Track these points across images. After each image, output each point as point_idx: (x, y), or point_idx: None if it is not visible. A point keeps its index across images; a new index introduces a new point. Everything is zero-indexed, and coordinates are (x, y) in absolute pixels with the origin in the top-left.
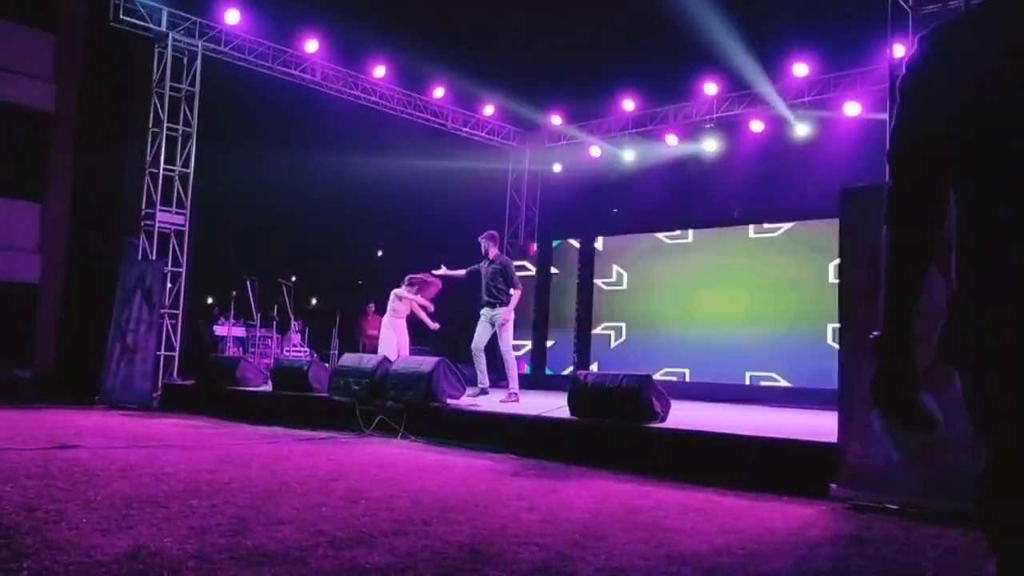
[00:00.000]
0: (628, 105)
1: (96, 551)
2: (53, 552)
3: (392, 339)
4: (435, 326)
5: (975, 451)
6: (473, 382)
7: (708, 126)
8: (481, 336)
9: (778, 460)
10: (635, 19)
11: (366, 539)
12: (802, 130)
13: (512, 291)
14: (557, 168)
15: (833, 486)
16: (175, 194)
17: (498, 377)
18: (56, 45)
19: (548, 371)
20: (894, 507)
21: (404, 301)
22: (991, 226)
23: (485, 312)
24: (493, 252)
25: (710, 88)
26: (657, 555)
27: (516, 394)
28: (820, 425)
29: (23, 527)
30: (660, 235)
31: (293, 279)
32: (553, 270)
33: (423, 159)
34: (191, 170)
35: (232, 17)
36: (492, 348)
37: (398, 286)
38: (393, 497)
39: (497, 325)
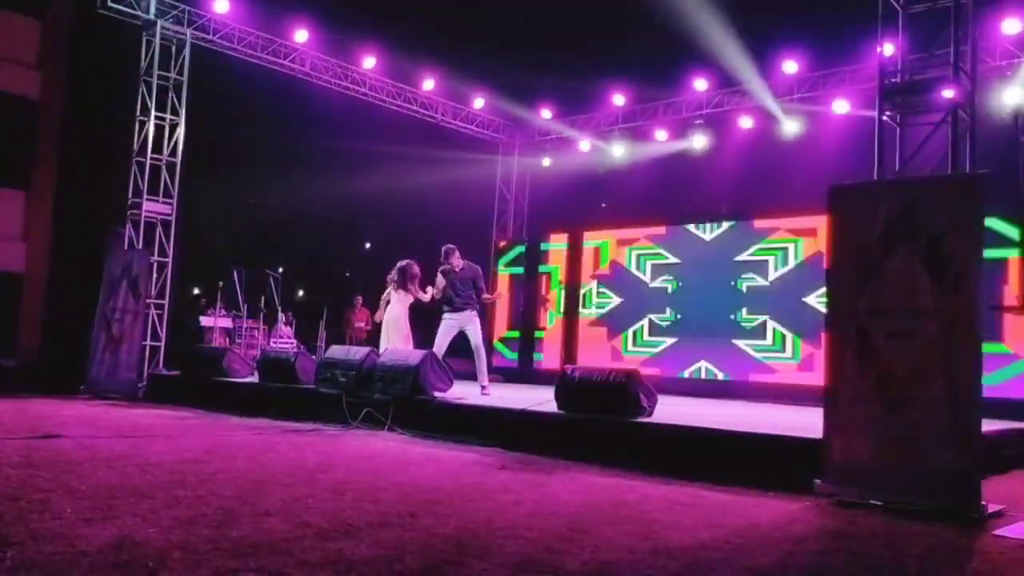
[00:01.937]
0: (618, 100)
1: (81, 541)
2: (37, 542)
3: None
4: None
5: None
6: (472, 377)
7: (697, 122)
8: (444, 340)
9: (764, 455)
10: (625, 14)
11: (352, 531)
12: (791, 127)
13: (481, 296)
14: (546, 162)
15: (818, 482)
16: (162, 183)
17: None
18: (42, 31)
19: (535, 365)
20: (878, 503)
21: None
22: None
23: (452, 316)
24: (460, 262)
25: (700, 84)
26: (643, 548)
27: (487, 387)
28: (806, 421)
29: (7, 517)
30: (648, 230)
31: (280, 270)
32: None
33: (412, 151)
34: (178, 159)
35: (221, 6)
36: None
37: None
38: (379, 489)
39: (466, 326)
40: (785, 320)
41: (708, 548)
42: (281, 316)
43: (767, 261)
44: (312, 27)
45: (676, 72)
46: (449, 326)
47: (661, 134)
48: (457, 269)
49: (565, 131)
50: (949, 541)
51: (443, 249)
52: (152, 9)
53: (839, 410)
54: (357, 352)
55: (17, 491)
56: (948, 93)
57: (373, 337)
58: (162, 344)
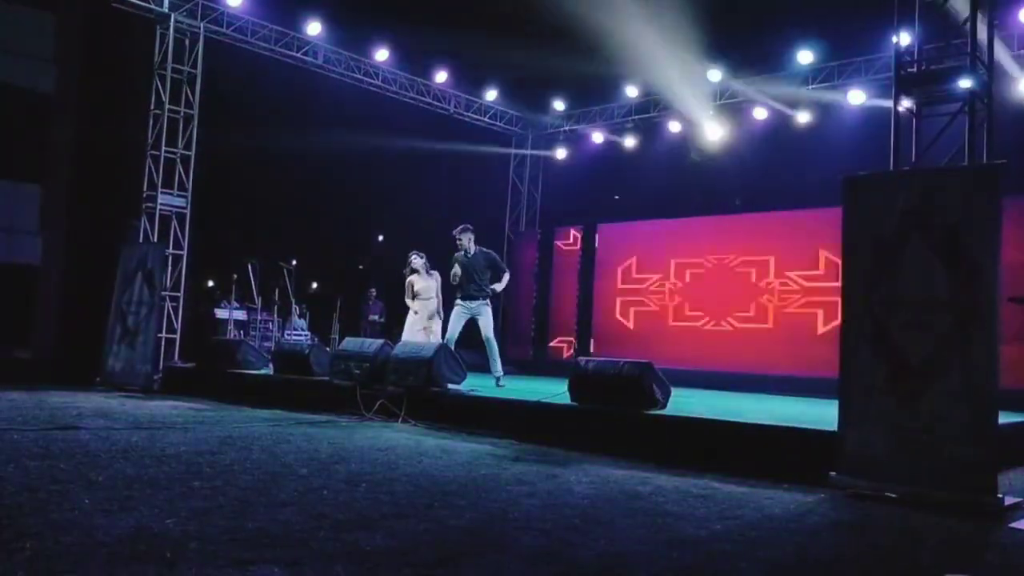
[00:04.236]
0: (631, 91)
1: (98, 532)
2: (56, 532)
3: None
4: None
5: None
6: (485, 369)
7: (710, 113)
8: (455, 329)
9: (777, 447)
10: (637, 4)
11: (367, 522)
12: (804, 118)
13: (503, 278)
14: (560, 154)
15: (832, 474)
16: (176, 176)
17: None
18: (56, 25)
19: (549, 356)
20: (893, 495)
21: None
22: None
23: (465, 304)
24: (473, 246)
25: (713, 75)
26: (656, 540)
27: (501, 378)
28: (820, 413)
29: (26, 507)
30: (661, 222)
31: (294, 263)
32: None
33: (425, 144)
34: (192, 152)
35: None
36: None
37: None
38: (394, 481)
39: (477, 316)
40: None
41: (722, 540)
42: (295, 308)
43: None
44: (325, 19)
45: (689, 63)
46: (460, 314)
47: (674, 125)
48: (470, 254)
49: (579, 123)
50: (965, 534)
51: (458, 229)
52: (166, 2)
53: (854, 402)
54: (371, 344)
55: (35, 482)
56: (965, 83)
57: (387, 329)
58: (177, 336)
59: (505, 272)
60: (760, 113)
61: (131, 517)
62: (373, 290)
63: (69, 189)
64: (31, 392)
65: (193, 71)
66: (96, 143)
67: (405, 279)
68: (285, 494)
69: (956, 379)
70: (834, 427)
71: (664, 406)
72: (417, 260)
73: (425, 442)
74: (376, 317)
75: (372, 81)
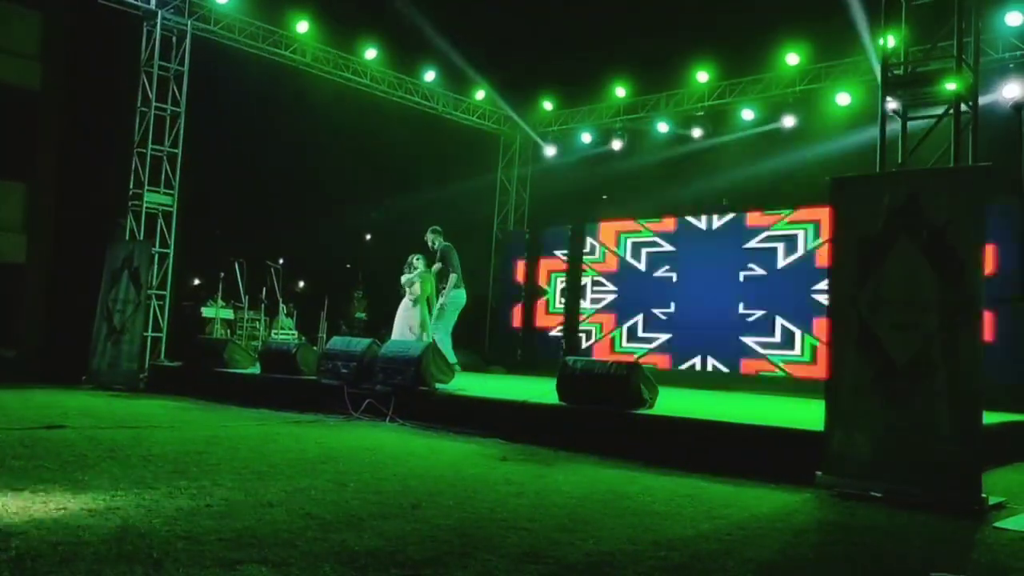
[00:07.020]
0: (620, 92)
1: (84, 532)
2: (41, 532)
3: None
4: None
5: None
6: (474, 369)
7: (699, 114)
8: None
9: (764, 447)
10: (627, 4)
11: (355, 522)
12: (792, 120)
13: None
14: (549, 153)
15: (818, 473)
16: (163, 174)
17: None
18: (42, 22)
19: (537, 356)
20: (879, 495)
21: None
22: None
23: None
24: (438, 243)
25: (702, 76)
26: (644, 540)
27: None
28: (808, 413)
29: (11, 507)
30: (649, 222)
31: (281, 261)
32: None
33: (413, 143)
34: (179, 150)
35: None
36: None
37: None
38: (381, 480)
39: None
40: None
41: (709, 539)
42: (282, 307)
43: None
44: (313, 17)
45: (679, 64)
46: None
47: (663, 126)
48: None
49: (567, 122)
50: (950, 533)
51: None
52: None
53: (840, 402)
54: (358, 343)
55: (20, 481)
56: (951, 85)
57: (370, 328)
58: (164, 335)
59: (452, 272)
60: (748, 115)
61: (117, 517)
62: (359, 291)
63: (55, 186)
64: (17, 391)
65: (180, 69)
66: (83, 141)
67: (403, 280)
68: (272, 494)
69: (941, 379)
70: (821, 427)
71: (652, 406)
72: (418, 262)
73: (413, 442)
74: (360, 315)
75: (360, 80)
